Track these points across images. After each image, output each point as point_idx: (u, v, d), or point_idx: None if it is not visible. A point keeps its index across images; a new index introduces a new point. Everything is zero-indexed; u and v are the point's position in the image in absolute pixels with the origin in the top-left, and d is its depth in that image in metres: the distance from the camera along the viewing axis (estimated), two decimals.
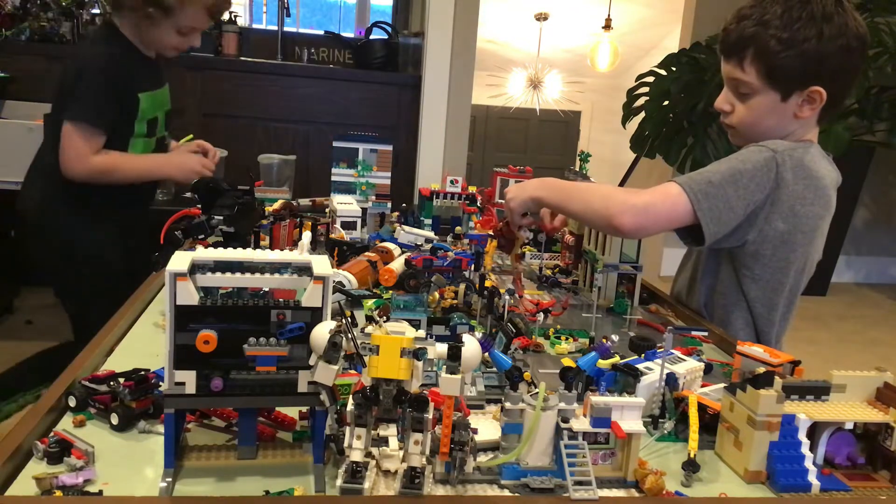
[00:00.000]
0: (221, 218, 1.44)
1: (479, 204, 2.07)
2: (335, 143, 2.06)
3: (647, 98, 4.03)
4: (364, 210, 1.98)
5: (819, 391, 0.94)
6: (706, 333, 1.33)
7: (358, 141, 2.06)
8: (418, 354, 0.75)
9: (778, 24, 1.39)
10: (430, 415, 0.76)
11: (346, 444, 0.76)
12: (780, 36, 1.39)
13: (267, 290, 0.81)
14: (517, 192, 1.52)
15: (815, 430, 0.90)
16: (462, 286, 1.36)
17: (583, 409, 0.85)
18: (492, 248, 1.73)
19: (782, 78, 1.42)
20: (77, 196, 1.91)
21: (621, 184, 4.90)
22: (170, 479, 0.77)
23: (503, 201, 1.59)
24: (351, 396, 0.77)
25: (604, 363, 1.01)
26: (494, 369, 1.05)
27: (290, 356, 0.79)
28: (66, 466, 0.79)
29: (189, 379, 0.77)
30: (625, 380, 1.01)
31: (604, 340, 1.01)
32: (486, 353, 0.93)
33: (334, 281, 1.22)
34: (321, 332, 0.76)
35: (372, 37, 4.16)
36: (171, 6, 1.88)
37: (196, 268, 0.78)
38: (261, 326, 0.78)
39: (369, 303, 1.34)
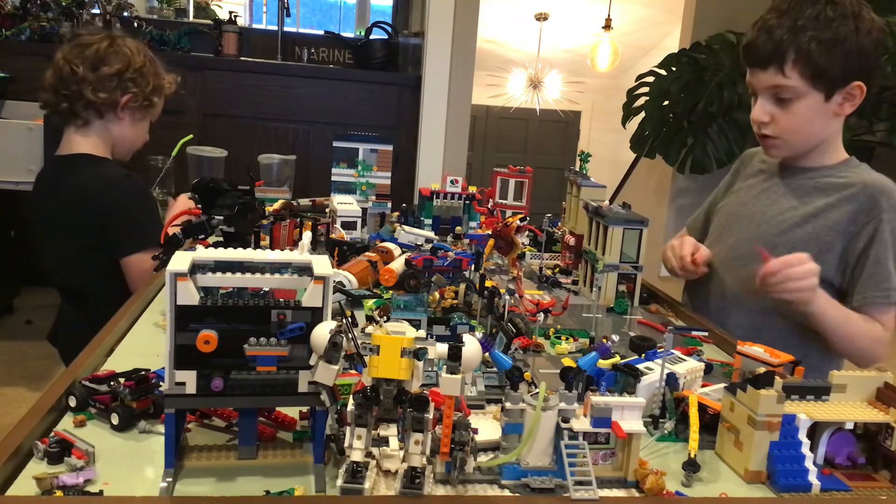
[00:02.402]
0: (222, 218, 1.43)
1: (489, 206, 2.07)
2: (335, 143, 2.06)
3: (647, 98, 4.02)
4: (364, 210, 1.98)
5: (819, 391, 0.94)
6: (706, 333, 1.34)
7: (358, 141, 2.06)
8: (419, 354, 0.75)
9: (815, 26, 1.42)
10: (430, 415, 0.76)
11: (346, 444, 0.76)
12: (821, 37, 1.42)
13: (267, 290, 0.81)
14: (807, 294, 1.38)
15: (815, 430, 0.90)
16: (462, 286, 1.36)
17: (583, 409, 0.85)
18: (489, 249, 1.73)
19: (827, 78, 1.44)
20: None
21: (621, 184, 4.89)
22: (170, 479, 0.77)
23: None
24: (351, 396, 0.76)
25: (604, 363, 1.01)
26: (495, 369, 1.05)
27: (290, 356, 0.79)
28: (66, 466, 0.79)
29: (189, 379, 0.77)
30: (625, 380, 1.01)
31: (604, 340, 1.01)
32: (487, 353, 0.93)
33: (334, 281, 1.22)
34: (321, 332, 0.76)
35: (372, 37, 4.16)
36: (165, 94, 1.97)
37: (196, 268, 0.78)
38: (261, 326, 0.78)
39: (369, 303, 1.34)
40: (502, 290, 1.29)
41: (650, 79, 4.04)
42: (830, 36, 1.41)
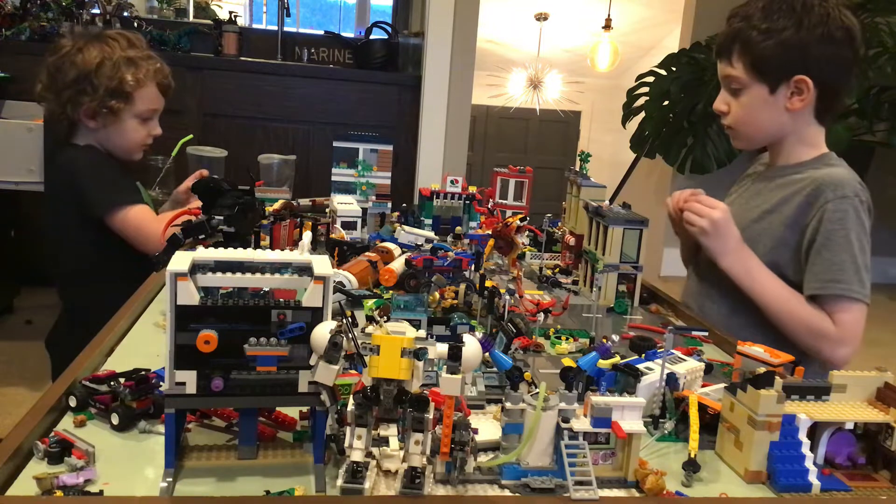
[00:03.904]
0: (222, 218, 1.43)
1: (489, 206, 2.07)
2: (335, 143, 2.06)
3: (647, 98, 4.03)
4: (364, 210, 1.98)
5: (819, 391, 0.93)
6: (706, 333, 1.34)
7: (358, 141, 2.06)
8: (419, 354, 0.75)
9: (759, 17, 1.45)
10: (430, 415, 0.76)
11: (346, 444, 0.76)
12: (760, 27, 1.45)
13: (267, 290, 0.81)
14: (712, 242, 1.48)
15: (815, 430, 0.90)
16: (462, 286, 1.36)
17: (583, 409, 0.85)
18: (489, 249, 1.73)
19: (766, 69, 1.46)
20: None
21: (621, 184, 4.89)
22: (170, 479, 0.77)
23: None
24: (351, 396, 0.76)
25: (604, 363, 1.01)
26: (495, 369, 1.05)
27: (290, 356, 0.79)
28: (66, 466, 0.79)
29: (190, 379, 0.77)
30: (625, 380, 1.01)
31: (604, 340, 1.01)
32: (487, 353, 0.93)
33: (335, 281, 1.22)
34: (322, 332, 0.76)
35: (372, 37, 4.16)
36: (129, 92, 1.86)
37: (197, 268, 0.78)
38: (261, 326, 0.78)
39: (370, 303, 1.34)
40: (502, 290, 1.29)
41: (650, 79, 4.04)
42: (768, 27, 1.44)
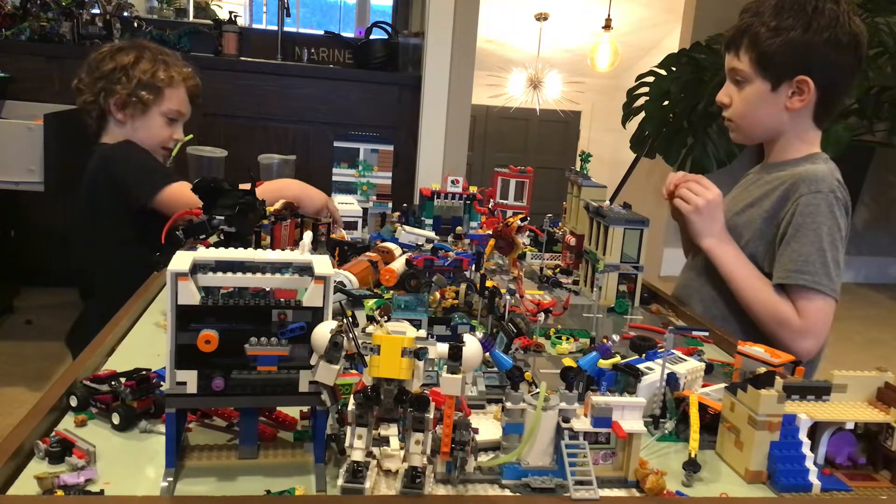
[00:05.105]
0: (223, 218, 1.43)
1: (489, 206, 2.07)
2: (336, 143, 2.06)
3: (647, 98, 4.03)
4: (365, 210, 1.98)
5: (820, 391, 0.94)
6: (707, 333, 1.34)
7: (359, 141, 2.06)
8: (419, 354, 0.75)
9: (770, 14, 1.48)
10: (431, 414, 0.76)
11: (347, 444, 0.76)
12: (769, 24, 1.47)
13: (268, 289, 0.81)
14: (701, 222, 1.54)
15: (815, 430, 0.90)
16: (463, 286, 1.36)
17: (584, 408, 0.85)
18: (489, 249, 1.73)
19: (770, 65, 1.48)
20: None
21: (621, 184, 4.89)
22: (171, 479, 0.77)
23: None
24: (352, 396, 0.76)
25: (605, 363, 1.01)
26: (495, 369, 1.05)
27: (291, 356, 0.79)
28: (67, 466, 0.79)
29: (190, 379, 0.77)
30: (625, 380, 1.01)
31: (605, 340, 1.01)
32: (487, 353, 0.93)
33: (335, 281, 1.22)
34: (322, 332, 0.76)
35: (372, 37, 4.16)
36: (160, 87, 1.96)
37: (197, 268, 0.78)
38: (262, 326, 0.78)
39: (370, 303, 1.34)
40: (503, 290, 1.29)
41: (650, 79, 4.04)
42: (777, 24, 1.46)
